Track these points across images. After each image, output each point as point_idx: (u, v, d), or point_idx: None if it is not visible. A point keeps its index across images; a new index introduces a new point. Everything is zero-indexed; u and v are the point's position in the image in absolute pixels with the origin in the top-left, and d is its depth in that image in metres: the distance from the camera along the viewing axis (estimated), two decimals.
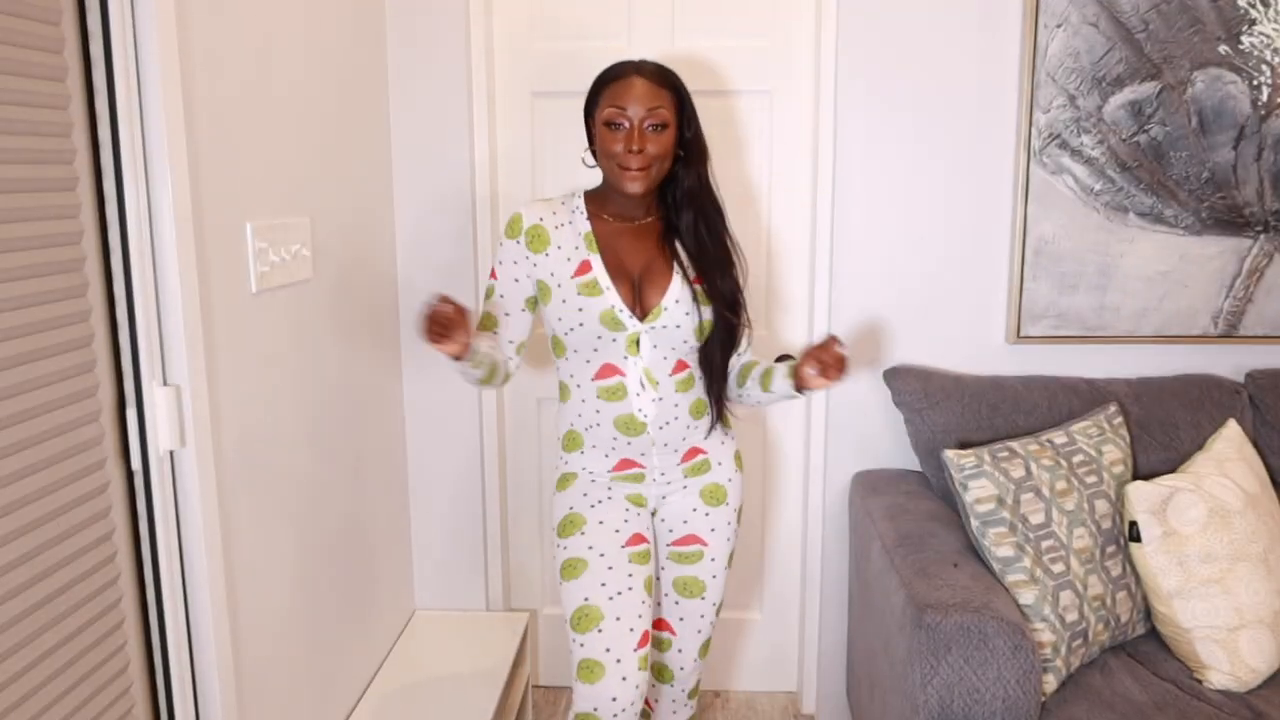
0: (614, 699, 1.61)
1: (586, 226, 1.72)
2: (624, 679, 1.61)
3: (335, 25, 1.94)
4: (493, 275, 1.75)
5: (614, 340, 1.69)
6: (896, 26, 2.19)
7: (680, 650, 1.88)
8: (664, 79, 1.67)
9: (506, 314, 1.75)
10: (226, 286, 1.53)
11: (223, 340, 1.52)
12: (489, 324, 1.75)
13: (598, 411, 1.73)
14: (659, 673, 1.93)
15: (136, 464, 1.37)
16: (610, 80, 1.67)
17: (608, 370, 1.71)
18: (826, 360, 1.64)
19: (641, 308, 1.70)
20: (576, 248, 1.70)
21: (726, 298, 1.73)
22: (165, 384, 1.40)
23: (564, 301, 1.68)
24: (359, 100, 2.08)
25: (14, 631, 1.16)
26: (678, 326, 1.70)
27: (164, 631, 1.43)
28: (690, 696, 1.97)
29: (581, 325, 1.68)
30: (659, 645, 1.89)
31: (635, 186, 1.65)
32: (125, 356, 1.35)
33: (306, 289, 1.82)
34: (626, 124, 1.63)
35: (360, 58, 2.09)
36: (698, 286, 1.72)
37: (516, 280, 1.73)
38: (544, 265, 1.71)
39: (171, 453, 1.42)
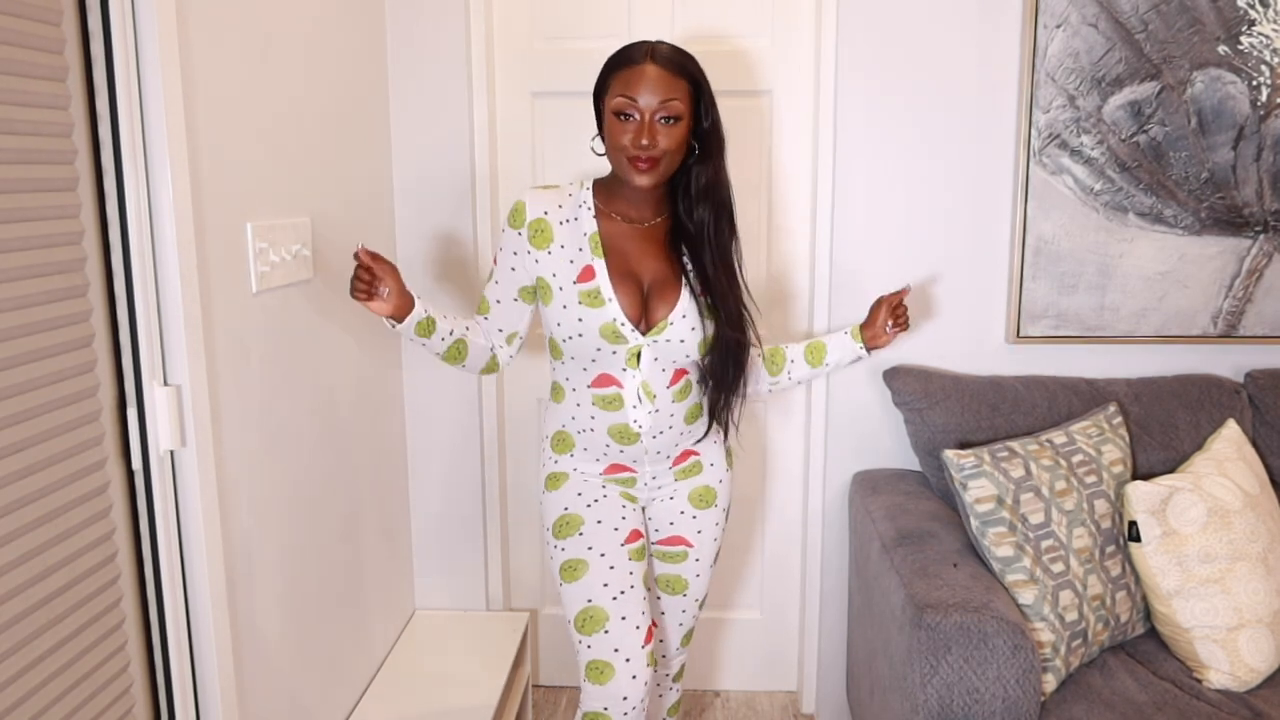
0: (625, 698, 1.60)
1: (593, 226, 1.64)
2: (634, 677, 1.60)
3: (335, 25, 1.94)
4: (494, 261, 1.72)
5: (614, 353, 1.64)
6: (896, 26, 2.19)
7: (662, 640, 1.90)
8: (679, 67, 1.56)
9: (498, 301, 1.71)
10: (226, 286, 1.53)
11: (223, 340, 1.52)
12: (482, 308, 1.73)
13: (592, 418, 1.70)
14: None
15: (137, 464, 1.38)
16: (621, 65, 1.56)
17: (605, 380, 1.67)
18: (900, 312, 1.72)
19: (647, 321, 1.65)
20: (580, 249, 1.63)
21: (732, 315, 1.66)
22: (165, 384, 1.40)
23: (564, 307, 1.62)
24: (359, 100, 2.08)
25: (13, 631, 1.16)
26: (681, 341, 1.64)
27: (164, 631, 1.43)
28: (675, 680, 1.99)
29: (580, 336, 1.63)
30: None
31: (644, 180, 1.57)
32: (125, 356, 1.35)
33: (306, 289, 1.82)
34: (637, 115, 1.54)
35: (360, 58, 2.09)
36: (704, 299, 1.65)
37: (513, 269, 1.67)
38: (546, 263, 1.63)
39: (171, 453, 1.42)
